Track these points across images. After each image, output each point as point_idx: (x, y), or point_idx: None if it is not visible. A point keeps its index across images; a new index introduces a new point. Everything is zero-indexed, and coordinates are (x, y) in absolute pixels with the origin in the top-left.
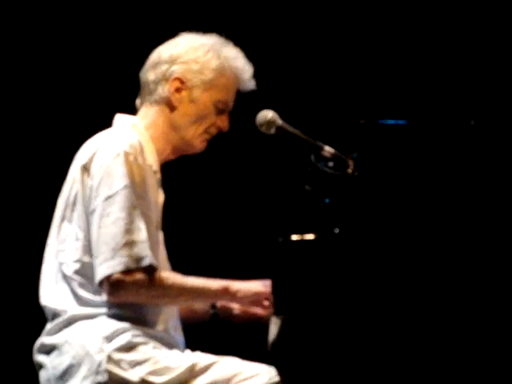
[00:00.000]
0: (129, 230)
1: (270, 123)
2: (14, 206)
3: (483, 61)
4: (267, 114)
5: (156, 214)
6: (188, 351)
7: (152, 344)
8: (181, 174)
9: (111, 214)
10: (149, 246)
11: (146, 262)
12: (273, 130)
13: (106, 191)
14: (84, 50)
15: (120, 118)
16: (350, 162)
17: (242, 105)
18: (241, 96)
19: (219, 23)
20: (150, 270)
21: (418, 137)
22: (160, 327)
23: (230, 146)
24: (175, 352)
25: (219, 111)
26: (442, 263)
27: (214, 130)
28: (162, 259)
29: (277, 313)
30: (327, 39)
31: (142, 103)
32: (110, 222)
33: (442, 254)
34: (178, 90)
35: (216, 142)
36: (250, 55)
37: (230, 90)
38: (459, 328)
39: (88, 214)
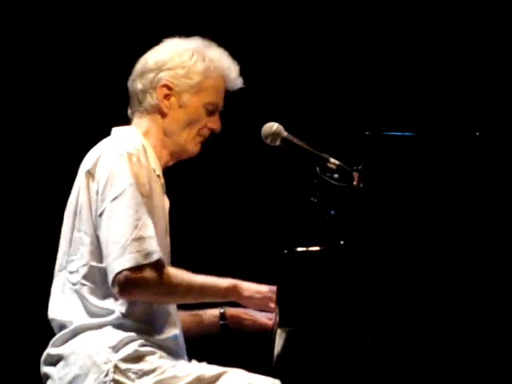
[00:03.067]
0: (136, 226)
1: (275, 135)
2: (25, 219)
3: (488, 73)
4: (272, 126)
5: (164, 220)
6: (194, 361)
7: (159, 353)
8: (188, 184)
9: (119, 214)
10: (157, 242)
11: (154, 257)
12: (278, 142)
13: (112, 193)
14: (73, 61)
15: (117, 130)
16: (355, 174)
17: (248, 117)
18: (246, 108)
19: (222, 34)
20: (159, 266)
21: (423, 148)
22: (166, 335)
23: (236, 158)
24: (182, 362)
25: (209, 113)
26: (449, 276)
27: (206, 132)
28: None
29: (282, 325)
30: (333, 52)
31: (133, 113)
32: (118, 221)
33: (449, 266)
34: (166, 97)
35: (222, 154)
36: (255, 68)
37: (218, 90)
38: (464, 340)
39: (95, 218)
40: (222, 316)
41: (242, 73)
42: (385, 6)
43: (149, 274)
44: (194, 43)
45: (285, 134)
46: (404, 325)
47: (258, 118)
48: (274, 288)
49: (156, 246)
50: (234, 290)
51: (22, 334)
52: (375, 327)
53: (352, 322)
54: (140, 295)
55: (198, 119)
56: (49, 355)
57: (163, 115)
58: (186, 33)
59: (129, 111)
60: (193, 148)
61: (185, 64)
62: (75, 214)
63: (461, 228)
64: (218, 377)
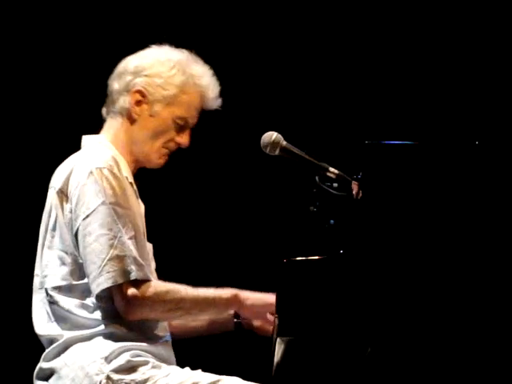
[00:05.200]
0: (112, 244)
1: (274, 144)
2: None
3: (488, 81)
4: (272, 136)
5: (142, 225)
6: (188, 369)
7: (151, 363)
8: (188, 194)
9: (92, 233)
10: (134, 260)
11: (132, 276)
12: (277, 152)
13: (83, 211)
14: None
15: (87, 139)
16: (355, 183)
17: (247, 126)
18: (246, 117)
19: (222, 42)
20: (139, 283)
21: (423, 157)
22: (157, 341)
23: (236, 168)
24: (176, 370)
25: (179, 128)
26: (450, 286)
27: (172, 146)
28: (151, 271)
29: (282, 334)
30: (333, 61)
31: (107, 113)
32: (93, 241)
33: (450, 276)
34: (138, 103)
35: (222, 163)
36: (254, 77)
37: (191, 107)
38: (467, 350)
39: (73, 237)
40: (237, 314)
41: (243, 82)
42: (385, 16)
43: (135, 291)
44: (180, 55)
45: (284, 143)
46: (404, 334)
47: (258, 127)
48: (273, 296)
49: (133, 265)
50: (236, 299)
51: (14, 348)
52: (375, 336)
53: (352, 331)
54: (146, 313)
55: (165, 131)
56: (41, 369)
57: (132, 121)
58: (180, 38)
59: (103, 110)
60: (156, 159)
61: (163, 74)
62: (46, 231)
63: (461, 237)
64: None
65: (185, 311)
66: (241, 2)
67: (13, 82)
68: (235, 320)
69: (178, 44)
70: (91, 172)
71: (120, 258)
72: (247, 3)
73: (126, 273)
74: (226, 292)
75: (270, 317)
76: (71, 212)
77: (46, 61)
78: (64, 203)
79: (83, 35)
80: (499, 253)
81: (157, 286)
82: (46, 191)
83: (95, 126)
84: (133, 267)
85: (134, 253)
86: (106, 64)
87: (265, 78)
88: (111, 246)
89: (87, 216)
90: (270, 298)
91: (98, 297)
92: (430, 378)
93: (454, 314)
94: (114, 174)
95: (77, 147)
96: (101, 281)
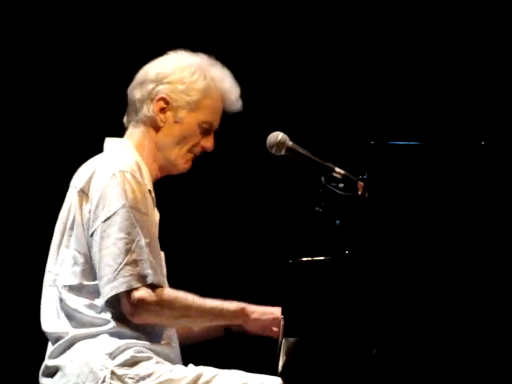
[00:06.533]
0: (129, 249)
1: (280, 145)
2: (18, 229)
3: (494, 82)
4: (277, 136)
5: (156, 233)
6: (191, 365)
7: (155, 359)
8: (194, 195)
9: (111, 235)
10: (151, 264)
11: (149, 280)
12: (283, 152)
13: (104, 213)
14: (73, 66)
15: (110, 142)
16: (361, 184)
17: (253, 127)
18: (252, 118)
19: (229, 45)
20: (154, 288)
21: (429, 158)
22: (163, 342)
23: (242, 168)
24: (178, 366)
25: (204, 131)
26: (456, 286)
27: (198, 150)
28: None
29: (288, 335)
30: (338, 61)
31: (128, 121)
32: (111, 244)
33: (456, 276)
34: (162, 110)
35: (228, 163)
36: (260, 77)
37: (215, 111)
38: (472, 349)
39: (88, 238)
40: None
41: (248, 83)
42: (390, 17)
43: (145, 295)
44: (199, 60)
45: (290, 143)
46: (410, 335)
47: (264, 127)
48: (279, 309)
49: (149, 269)
50: (242, 313)
51: (20, 346)
52: (381, 337)
53: (357, 332)
54: (150, 318)
55: (191, 136)
56: (46, 367)
57: (157, 128)
58: (191, 43)
59: (125, 119)
60: (183, 164)
61: (185, 80)
62: (64, 230)
63: (468, 237)
64: (214, 376)
65: (190, 320)
66: (247, 3)
67: (34, 85)
68: (225, 327)
69: (183, 47)
70: (114, 174)
71: (137, 263)
72: (253, 4)
73: (142, 277)
74: (232, 305)
75: (275, 330)
76: (90, 212)
77: (65, 64)
78: (84, 203)
79: (104, 40)
80: (505, 250)
81: (167, 292)
82: (59, 191)
83: (114, 129)
84: (149, 271)
85: (151, 257)
86: (125, 66)
87: (271, 79)
88: (128, 251)
89: (107, 218)
90: (276, 311)
91: (108, 299)
92: (436, 378)
93: (462, 315)
94: (135, 178)
95: (95, 149)
96: (115, 284)
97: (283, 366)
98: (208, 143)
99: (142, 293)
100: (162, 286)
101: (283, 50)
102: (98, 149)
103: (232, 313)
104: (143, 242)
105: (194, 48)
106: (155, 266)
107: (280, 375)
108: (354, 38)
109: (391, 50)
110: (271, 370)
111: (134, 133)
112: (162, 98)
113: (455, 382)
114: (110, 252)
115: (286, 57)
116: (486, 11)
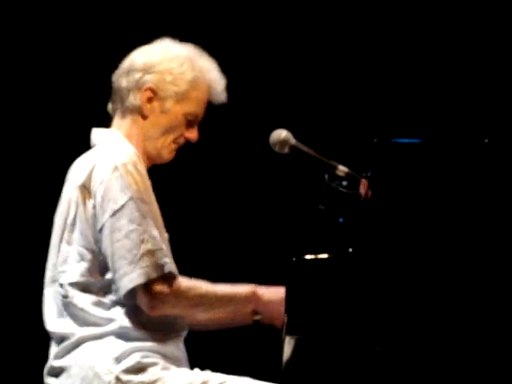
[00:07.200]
0: (143, 240)
1: (283, 143)
2: (18, 225)
3: (497, 79)
4: (281, 134)
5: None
6: (197, 370)
7: (162, 364)
8: (197, 192)
9: (122, 228)
10: (165, 253)
11: (166, 269)
12: (286, 150)
13: (111, 206)
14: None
15: (99, 133)
16: (364, 182)
17: (256, 124)
18: (255, 115)
19: (228, 39)
20: (171, 278)
21: (432, 155)
22: (170, 341)
23: (245, 166)
24: (185, 370)
25: (189, 122)
26: (459, 284)
27: (182, 141)
28: None
29: (290, 332)
30: (341, 58)
31: (113, 110)
32: (123, 236)
33: (460, 274)
34: (149, 100)
35: (231, 161)
36: (263, 74)
37: (201, 102)
38: (475, 347)
39: (95, 233)
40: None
41: (251, 80)
42: (394, 15)
43: (162, 286)
44: (187, 50)
45: (293, 141)
46: (413, 332)
47: (267, 125)
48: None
49: (165, 258)
50: (254, 296)
51: (25, 345)
52: (384, 335)
53: (360, 329)
54: (161, 309)
55: (177, 127)
56: (52, 367)
57: (144, 118)
58: (182, 33)
59: (109, 106)
60: (167, 154)
61: (174, 70)
62: (64, 226)
63: (471, 236)
64: None
65: (206, 308)
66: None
67: (14, 78)
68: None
69: (182, 39)
70: (116, 167)
71: (152, 252)
72: (258, 1)
73: (159, 266)
74: (244, 288)
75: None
76: (94, 208)
77: (47, 56)
78: (86, 199)
79: (92, 31)
80: (508, 248)
81: (182, 281)
82: (52, 185)
83: (96, 121)
84: (166, 260)
85: (164, 246)
86: (107, 59)
87: (274, 76)
88: (142, 241)
89: (115, 212)
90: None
91: (125, 293)
92: (439, 376)
93: (465, 312)
94: (137, 169)
95: (81, 139)
96: (134, 276)
97: (286, 364)
98: (192, 134)
99: (160, 284)
100: (176, 275)
101: (287, 47)
102: (84, 139)
103: (244, 297)
104: (154, 231)
105: (192, 41)
106: (169, 254)
107: (283, 373)
108: (358, 36)
109: (395, 48)
110: (278, 376)
111: (122, 123)
112: (150, 88)
113: (458, 380)
114: (122, 244)
115: (290, 55)
116: (488, 8)
